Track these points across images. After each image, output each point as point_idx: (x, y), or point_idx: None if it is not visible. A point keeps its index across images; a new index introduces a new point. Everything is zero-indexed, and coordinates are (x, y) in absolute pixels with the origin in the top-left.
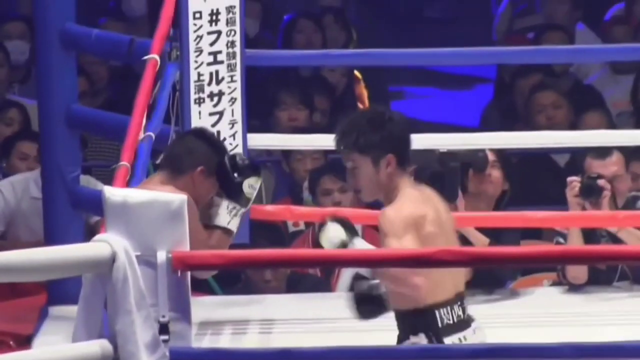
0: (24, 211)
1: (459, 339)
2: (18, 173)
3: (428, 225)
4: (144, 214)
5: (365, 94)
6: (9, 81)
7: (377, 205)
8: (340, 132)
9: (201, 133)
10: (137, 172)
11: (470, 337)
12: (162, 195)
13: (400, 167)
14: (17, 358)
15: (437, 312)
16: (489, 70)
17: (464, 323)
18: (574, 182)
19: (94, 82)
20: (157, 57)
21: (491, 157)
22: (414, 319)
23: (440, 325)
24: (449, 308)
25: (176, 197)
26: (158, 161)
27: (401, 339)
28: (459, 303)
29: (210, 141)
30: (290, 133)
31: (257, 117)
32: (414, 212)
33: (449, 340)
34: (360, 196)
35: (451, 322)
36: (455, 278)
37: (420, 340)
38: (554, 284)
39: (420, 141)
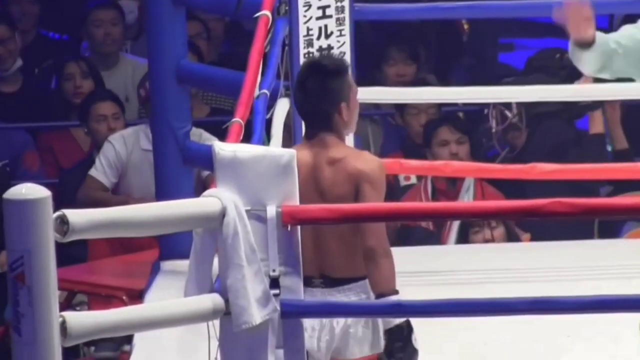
0: (135, 163)
1: None
2: (100, 136)
3: None
4: (254, 168)
5: None
6: (123, 39)
7: (492, 158)
8: None
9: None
10: (256, 128)
11: None
12: (272, 150)
13: None
14: (130, 312)
15: None
16: (601, 21)
17: None
18: None
19: (211, 38)
20: (268, 13)
21: None
22: None
23: None
24: None
25: (286, 152)
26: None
27: None
28: None
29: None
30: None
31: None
32: None
33: None
34: None
35: None
36: None
37: None
38: None
39: (533, 93)
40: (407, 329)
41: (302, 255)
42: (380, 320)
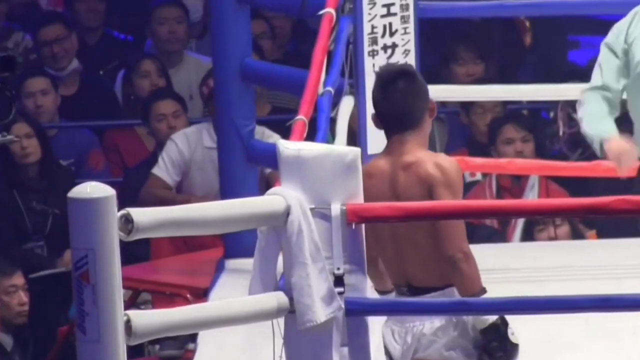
0: (198, 161)
1: None
2: (161, 134)
3: None
4: (318, 166)
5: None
6: (188, 37)
7: (557, 156)
8: None
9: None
10: (321, 126)
11: None
12: (336, 148)
13: None
14: (195, 311)
15: None
16: None
17: None
18: None
19: (277, 36)
20: (332, 11)
21: None
22: None
23: None
24: None
25: (350, 150)
26: None
27: None
28: None
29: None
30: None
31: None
32: None
33: None
34: None
35: None
36: None
37: None
38: None
39: None
40: (503, 325)
41: (389, 265)
42: (451, 325)
